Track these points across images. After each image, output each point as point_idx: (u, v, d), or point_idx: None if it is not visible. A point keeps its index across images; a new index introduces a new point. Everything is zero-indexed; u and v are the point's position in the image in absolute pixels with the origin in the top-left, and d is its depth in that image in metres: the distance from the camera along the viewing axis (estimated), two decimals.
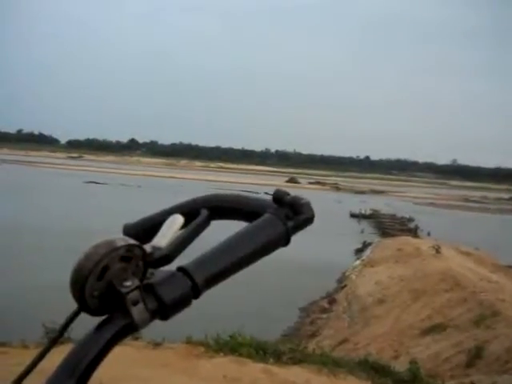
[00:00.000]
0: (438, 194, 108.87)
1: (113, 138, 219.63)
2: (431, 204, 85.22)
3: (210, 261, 0.66)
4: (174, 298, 0.62)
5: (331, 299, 23.82)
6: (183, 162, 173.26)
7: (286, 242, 0.74)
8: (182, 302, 0.63)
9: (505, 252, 31.20)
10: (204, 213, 0.78)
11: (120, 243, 0.61)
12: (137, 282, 0.61)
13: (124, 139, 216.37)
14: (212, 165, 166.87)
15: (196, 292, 0.64)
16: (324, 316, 21.61)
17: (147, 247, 0.66)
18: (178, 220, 0.75)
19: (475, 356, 12.34)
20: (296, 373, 5.10)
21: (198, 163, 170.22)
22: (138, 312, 0.60)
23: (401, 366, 8.19)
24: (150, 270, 0.65)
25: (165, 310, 0.61)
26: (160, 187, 67.69)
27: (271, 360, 5.43)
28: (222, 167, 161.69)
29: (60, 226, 32.57)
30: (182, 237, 0.71)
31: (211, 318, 16.75)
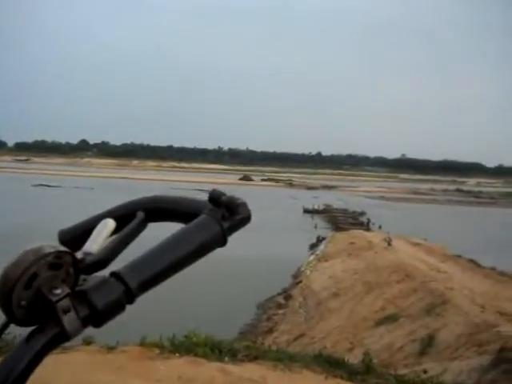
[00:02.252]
0: (388, 188, 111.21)
1: (62, 139, 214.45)
2: (382, 197, 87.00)
3: (143, 264, 0.65)
4: (107, 304, 0.60)
5: (287, 295, 24.02)
6: (135, 162, 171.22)
7: (222, 242, 0.74)
8: (115, 308, 0.61)
9: (453, 242, 32.20)
10: (140, 215, 0.77)
11: (48, 250, 0.59)
12: (67, 290, 0.59)
13: (74, 140, 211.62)
14: (165, 164, 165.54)
15: (130, 297, 0.63)
16: (280, 312, 21.77)
17: (78, 253, 0.65)
18: (109, 224, 0.74)
19: (427, 344, 12.72)
20: (252, 370, 5.12)
21: (150, 163, 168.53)
22: (69, 320, 0.58)
23: (355, 357, 8.34)
24: (83, 277, 0.63)
25: (97, 317, 0.60)
26: (113, 188, 66.56)
27: (227, 358, 5.43)
28: (174, 166, 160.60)
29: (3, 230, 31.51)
30: (116, 241, 0.70)
31: (167, 318, 16.61)
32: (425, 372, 8.34)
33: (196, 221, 0.72)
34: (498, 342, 10.74)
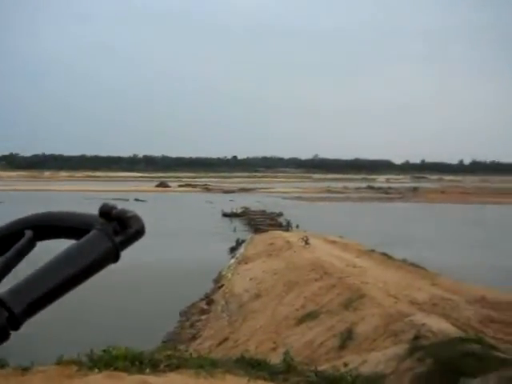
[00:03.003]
0: (303, 188, 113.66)
1: None
2: (298, 198, 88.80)
3: (29, 287, 0.62)
4: None
5: (209, 300, 23.95)
6: (47, 173, 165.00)
7: (115, 258, 0.71)
8: None
9: (367, 237, 33.45)
10: (28, 234, 0.73)
11: None
12: None
13: None
14: (78, 174, 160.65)
15: (14, 323, 0.60)
16: (203, 317, 21.67)
17: None
18: None
19: (347, 338, 13.12)
20: (173, 379, 5.06)
21: (63, 174, 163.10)
22: None
23: (279, 356, 8.44)
24: None
25: None
26: (24, 201, 63.43)
27: (148, 370, 5.32)
28: (88, 176, 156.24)
29: None
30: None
31: (86, 332, 16.07)
32: (345, 365, 8.59)
33: (86, 237, 0.70)
34: (411, 331, 11.26)
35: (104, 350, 5.82)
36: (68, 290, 0.66)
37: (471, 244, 37.39)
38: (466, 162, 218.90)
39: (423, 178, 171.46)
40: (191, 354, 6.60)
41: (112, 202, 0.76)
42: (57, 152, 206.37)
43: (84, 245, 0.69)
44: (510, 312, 14.41)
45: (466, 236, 41.84)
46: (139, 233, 0.75)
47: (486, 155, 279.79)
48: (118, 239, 0.71)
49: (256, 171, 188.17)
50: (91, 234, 0.70)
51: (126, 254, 0.74)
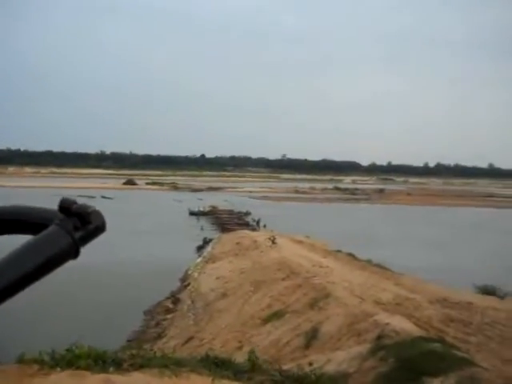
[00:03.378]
0: (271, 188, 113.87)
1: None
2: (265, 197, 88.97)
3: None
4: None
5: (175, 299, 23.83)
6: (12, 169, 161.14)
7: (74, 254, 0.71)
8: None
9: (333, 237, 33.74)
10: None
11: None
12: None
13: None
14: (44, 170, 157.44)
15: None
16: (169, 316, 21.53)
17: None
18: None
19: (312, 337, 13.24)
20: (137, 379, 5.02)
21: (28, 169, 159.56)
22: None
23: (244, 355, 8.46)
24: None
25: None
26: None
27: (111, 369, 5.26)
28: (54, 172, 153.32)
29: None
30: None
31: (49, 331, 15.79)
32: (310, 364, 8.66)
33: (44, 232, 0.69)
34: (375, 331, 11.42)
35: (67, 349, 5.73)
36: (24, 287, 0.65)
37: (438, 246, 38.25)
38: (431, 164, 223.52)
39: (389, 179, 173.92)
40: (155, 353, 6.56)
41: (73, 198, 0.75)
42: (22, 147, 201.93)
43: (42, 240, 0.68)
44: (469, 312, 14.76)
45: (433, 238, 42.70)
46: (100, 229, 0.74)
47: (450, 158, 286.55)
48: (78, 235, 0.71)
49: (224, 170, 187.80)
50: (50, 229, 0.69)
51: (85, 253, 0.73)
